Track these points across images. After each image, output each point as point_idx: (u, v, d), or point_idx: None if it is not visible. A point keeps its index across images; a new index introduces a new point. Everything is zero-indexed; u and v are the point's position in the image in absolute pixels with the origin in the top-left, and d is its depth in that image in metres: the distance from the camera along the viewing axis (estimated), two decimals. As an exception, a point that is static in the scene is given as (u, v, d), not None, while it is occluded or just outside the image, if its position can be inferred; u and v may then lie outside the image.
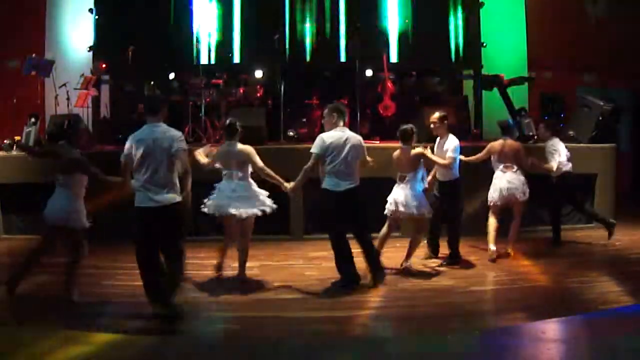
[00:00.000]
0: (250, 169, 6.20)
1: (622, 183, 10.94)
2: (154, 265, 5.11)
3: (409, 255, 6.66)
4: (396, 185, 6.58)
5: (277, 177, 6.18)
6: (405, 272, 6.58)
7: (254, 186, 6.21)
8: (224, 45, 11.29)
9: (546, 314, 5.22)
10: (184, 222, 5.21)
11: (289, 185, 6.12)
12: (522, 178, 7.15)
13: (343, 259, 6.03)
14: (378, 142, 9.55)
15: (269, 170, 6.18)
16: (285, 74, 10.83)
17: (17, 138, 9.05)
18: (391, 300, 5.87)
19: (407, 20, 11.35)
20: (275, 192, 6.31)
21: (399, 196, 6.46)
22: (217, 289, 6.05)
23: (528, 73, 11.44)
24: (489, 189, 7.24)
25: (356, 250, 6.12)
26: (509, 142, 7.28)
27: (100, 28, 11.27)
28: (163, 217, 4.98)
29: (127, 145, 5.08)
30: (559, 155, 7.66)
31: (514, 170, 7.14)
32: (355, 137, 6.09)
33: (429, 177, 6.95)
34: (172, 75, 11.22)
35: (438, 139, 7.03)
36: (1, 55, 11.37)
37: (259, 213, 6.11)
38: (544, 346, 4.63)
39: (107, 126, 10.69)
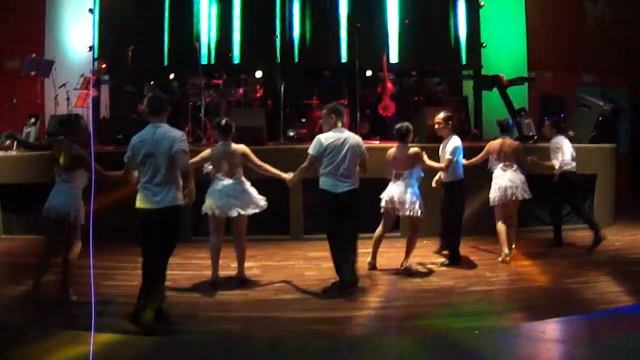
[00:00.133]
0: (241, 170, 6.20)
1: (622, 183, 10.95)
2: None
3: (407, 255, 6.67)
4: (391, 182, 6.60)
5: (275, 170, 6.24)
6: (405, 272, 6.59)
7: (247, 185, 6.22)
8: (223, 45, 11.28)
9: (546, 314, 5.22)
10: (178, 230, 5.15)
11: (288, 176, 6.18)
12: (522, 177, 7.13)
13: (342, 260, 6.01)
14: (378, 142, 9.54)
15: (266, 166, 6.23)
16: (285, 74, 10.82)
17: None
18: (391, 300, 5.88)
19: (407, 21, 11.35)
20: (275, 193, 6.30)
21: (394, 193, 6.48)
22: (217, 289, 6.05)
23: (528, 73, 11.46)
24: (489, 189, 7.20)
25: (358, 250, 6.13)
26: (508, 140, 7.27)
27: (100, 28, 11.25)
28: (160, 219, 4.87)
29: (130, 145, 5.09)
30: (563, 153, 7.62)
31: (514, 169, 7.13)
32: (354, 138, 6.05)
33: (435, 178, 6.97)
34: (172, 75, 11.21)
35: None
36: (1, 55, 11.37)
37: (252, 212, 6.12)
38: (544, 346, 4.63)
39: (107, 126, 10.68)
